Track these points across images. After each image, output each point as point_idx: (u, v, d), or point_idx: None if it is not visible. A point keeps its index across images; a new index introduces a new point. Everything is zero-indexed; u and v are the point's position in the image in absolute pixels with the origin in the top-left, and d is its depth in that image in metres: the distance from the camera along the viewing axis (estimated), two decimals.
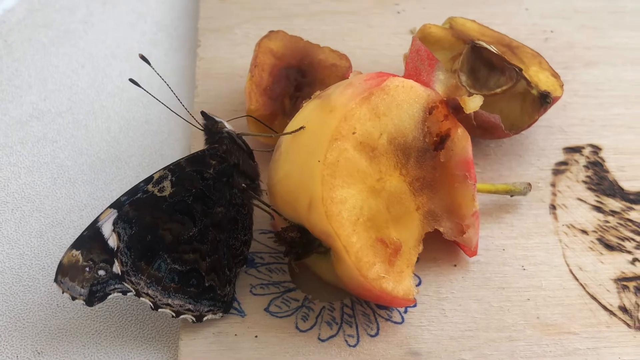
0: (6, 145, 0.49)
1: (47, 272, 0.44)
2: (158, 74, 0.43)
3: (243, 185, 0.40)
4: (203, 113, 0.39)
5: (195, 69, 0.52)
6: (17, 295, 0.43)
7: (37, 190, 0.47)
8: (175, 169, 0.38)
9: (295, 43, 0.49)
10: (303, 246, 0.39)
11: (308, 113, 0.40)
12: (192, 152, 0.44)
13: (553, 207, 0.47)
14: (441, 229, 0.42)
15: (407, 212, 0.41)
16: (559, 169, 0.48)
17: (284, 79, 0.47)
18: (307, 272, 0.42)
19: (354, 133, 0.39)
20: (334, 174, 0.38)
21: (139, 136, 0.50)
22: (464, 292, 0.42)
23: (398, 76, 0.41)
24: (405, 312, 0.42)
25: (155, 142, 0.50)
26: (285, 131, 0.40)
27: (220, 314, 0.40)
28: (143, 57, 0.40)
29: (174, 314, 0.39)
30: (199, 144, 0.45)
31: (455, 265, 0.44)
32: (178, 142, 0.50)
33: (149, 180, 0.38)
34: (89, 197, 0.47)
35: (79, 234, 0.37)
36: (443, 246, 0.44)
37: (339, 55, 0.48)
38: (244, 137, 0.40)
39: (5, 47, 0.53)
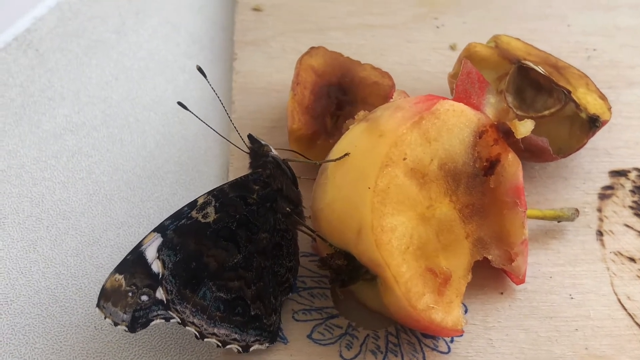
0: (40, 159, 0.47)
1: (85, 292, 0.43)
2: (214, 90, 0.41)
3: (287, 209, 0.39)
4: (250, 136, 0.39)
5: (231, 83, 0.51)
6: (54, 317, 0.42)
7: (72, 206, 0.46)
8: (218, 195, 0.37)
9: (336, 59, 0.47)
10: (349, 273, 0.38)
11: (355, 137, 0.39)
12: (230, 170, 0.44)
13: (600, 233, 0.45)
14: (490, 257, 0.41)
15: (456, 240, 0.40)
16: (605, 193, 0.46)
17: (325, 97, 0.46)
18: (350, 298, 0.41)
19: (404, 159, 0.38)
20: (384, 201, 0.37)
21: (176, 152, 0.48)
22: (511, 321, 0.41)
23: (448, 99, 0.40)
24: (452, 341, 0.41)
25: (192, 158, 0.48)
26: (330, 156, 0.39)
27: (267, 344, 0.39)
28: (200, 70, 0.39)
29: (220, 344, 0.38)
30: (237, 161, 0.45)
31: (502, 293, 0.42)
32: (216, 159, 0.48)
33: (192, 205, 0.37)
34: (125, 214, 0.45)
35: (118, 255, 0.37)
36: (489, 273, 0.43)
37: (381, 73, 0.46)
38: (289, 162, 0.39)
39: (37, 56, 0.52)
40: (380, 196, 0.36)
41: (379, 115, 0.39)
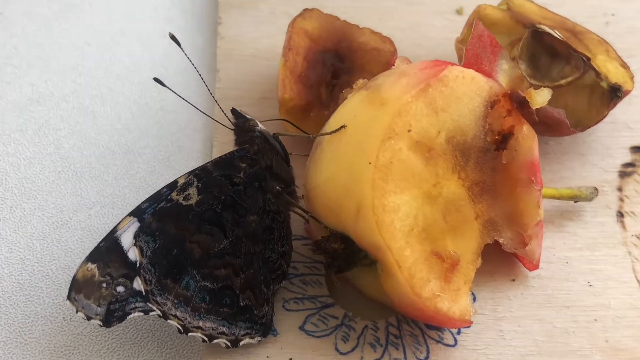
0: (3, 133, 0.45)
1: (52, 280, 0.40)
2: (190, 61, 0.39)
3: (278, 188, 0.37)
4: (234, 110, 0.38)
5: (215, 50, 0.49)
6: (18, 307, 0.40)
7: (38, 185, 0.44)
8: (201, 174, 0.36)
9: (332, 23, 0.45)
10: (346, 258, 0.37)
11: (354, 106, 0.37)
12: (214, 146, 0.42)
13: (620, 214, 0.43)
14: (501, 240, 0.39)
15: (465, 222, 0.38)
16: (626, 171, 0.45)
17: (320, 65, 0.44)
18: (347, 285, 0.40)
19: (409, 131, 0.36)
20: (386, 178, 0.35)
21: (154, 125, 0.47)
22: (524, 310, 0.40)
23: (457, 65, 0.38)
24: (459, 333, 0.39)
25: (172, 131, 0.47)
26: (326, 128, 0.38)
27: (259, 338, 0.37)
28: (174, 38, 0.37)
29: (206, 339, 0.36)
30: (223, 136, 0.43)
31: (513, 280, 0.41)
32: (198, 133, 0.47)
33: (172, 186, 0.36)
34: (97, 194, 0.44)
35: (89, 239, 0.36)
36: (500, 258, 0.41)
37: (381, 38, 0.44)
38: (280, 137, 0.38)
39: (2, 20, 0.49)
40: (382, 172, 0.35)
41: (380, 82, 0.37)
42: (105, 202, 0.43)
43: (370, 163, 0.34)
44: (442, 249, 0.36)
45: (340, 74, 0.44)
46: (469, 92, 0.37)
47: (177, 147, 0.46)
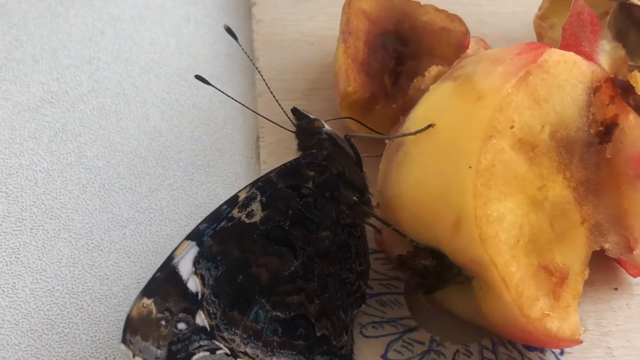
0: (14, 141, 0.42)
1: (88, 313, 0.37)
2: (246, 53, 0.36)
3: (354, 198, 0.36)
4: (295, 110, 0.36)
5: (252, 35, 0.46)
6: (51, 347, 0.36)
7: (61, 201, 0.40)
8: (264, 187, 0.35)
9: (390, 1, 0.42)
10: (437, 275, 0.35)
11: (442, 100, 0.35)
12: (261, 147, 0.41)
13: None
14: (606, 246, 0.37)
15: (572, 228, 0.36)
16: None
17: (381, 50, 0.42)
18: (432, 305, 0.38)
19: (512, 127, 0.34)
20: (489, 184, 0.33)
21: (187, 125, 0.44)
22: (632, 323, 0.38)
23: (555, 47, 0.36)
24: (562, 353, 0.37)
25: (209, 132, 0.44)
26: (408, 127, 0.35)
27: None
28: (229, 30, 0.35)
29: None
30: (270, 135, 0.41)
31: (616, 289, 0.39)
32: (239, 132, 0.44)
33: (233, 202, 0.34)
34: (130, 208, 0.41)
35: (127, 263, 0.34)
36: (598, 264, 0.39)
37: (448, 16, 0.42)
38: (352, 139, 0.37)
39: None
40: (484, 177, 0.33)
41: (470, 71, 0.35)
42: (141, 218, 0.41)
43: (470, 167, 0.32)
44: (550, 261, 0.34)
45: (405, 59, 0.42)
46: (571, 78, 0.35)
47: (217, 149, 0.43)
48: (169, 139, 0.43)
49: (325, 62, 0.45)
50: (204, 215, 0.33)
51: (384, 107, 0.40)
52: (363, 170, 0.37)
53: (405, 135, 0.35)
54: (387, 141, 0.37)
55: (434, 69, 0.38)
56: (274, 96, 0.37)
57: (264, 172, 0.40)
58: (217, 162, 0.43)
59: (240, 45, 0.36)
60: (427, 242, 0.35)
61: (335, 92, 0.41)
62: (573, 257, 0.36)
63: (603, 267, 0.39)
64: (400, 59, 0.42)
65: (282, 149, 0.40)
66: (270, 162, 0.41)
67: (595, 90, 0.36)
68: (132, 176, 0.42)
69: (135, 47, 0.46)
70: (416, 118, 0.35)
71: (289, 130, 0.37)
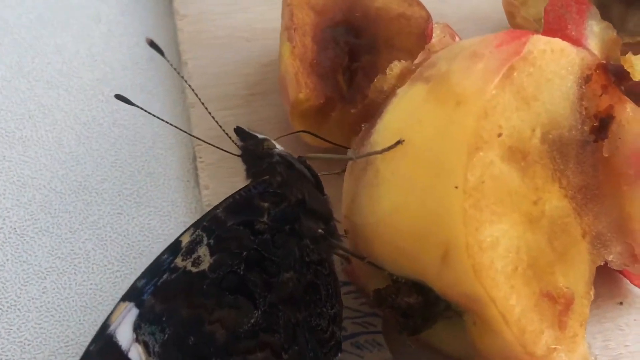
0: None
1: None
2: (173, 66, 0.34)
3: (320, 231, 0.34)
4: (239, 130, 0.35)
5: (176, 34, 0.44)
6: None
7: None
8: (211, 227, 0.33)
9: None
10: (423, 313, 0.34)
11: (414, 107, 0.33)
12: (200, 168, 0.40)
13: None
14: (610, 258, 0.36)
15: (573, 243, 0.34)
16: None
17: (332, 45, 0.40)
18: (414, 344, 0.36)
19: (499, 135, 0.32)
20: (480, 205, 0.31)
21: (109, 148, 0.41)
22: None
23: (538, 34, 0.34)
24: None
25: (136, 154, 0.42)
26: (376, 140, 0.34)
27: None
28: (153, 44, 0.33)
29: None
30: (209, 154, 0.40)
31: (621, 304, 0.38)
32: (172, 152, 0.42)
33: (174, 249, 0.32)
34: (49, 255, 0.38)
35: (50, 323, 0.33)
36: (599, 277, 0.36)
37: (406, 0, 0.40)
38: (308, 160, 0.36)
39: None
40: (474, 197, 0.31)
41: (444, 70, 0.33)
42: (63, 266, 0.38)
43: (457, 187, 0.31)
44: (552, 286, 0.33)
45: (360, 53, 0.40)
46: (559, 69, 0.34)
47: (147, 174, 0.41)
48: (89, 166, 0.41)
49: (267, 60, 0.43)
50: (139, 256, 0.33)
51: (341, 113, 0.39)
52: (325, 194, 0.36)
53: (372, 154, 0.33)
54: (355, 160, 0.35)
55: (396, 66, 0.36)
56: (209, 112, 0.35)
57: (205, 198, 0.39)
58: (149, 190, 0.41)
59: (168, 61, 0.33)
60: (409, 275, 0.33)
61: (282, 99, 0.39)
62: (577, 278, 0.34)
63: (605, 280, 0.38)
64: (354, 54, 0.40)
65: (225, 170, 0.39)
66: (213, 186, 0.40)
67: (586, 79, 0.34)
68: (48, 216, 0.39)
69: (39, 58, 0.43)
70: (385, 130, 0.34)
71: (232, 154, 0.35)
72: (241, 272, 0.33)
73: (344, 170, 0.36)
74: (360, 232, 0.34)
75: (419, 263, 0.32)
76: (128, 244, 0.38)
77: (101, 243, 0.39)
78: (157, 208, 0.40)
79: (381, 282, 0.34)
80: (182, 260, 0.32)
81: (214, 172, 0.39)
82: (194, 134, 0.40)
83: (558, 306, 0.33)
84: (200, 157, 0.40)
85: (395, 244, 0.33)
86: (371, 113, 0.35)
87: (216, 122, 0.35)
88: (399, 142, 0.32)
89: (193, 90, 0.36)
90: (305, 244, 0.34)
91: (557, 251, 0.34)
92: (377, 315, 0.37)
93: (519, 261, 0.32)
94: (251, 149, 0.35)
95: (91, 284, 0.37)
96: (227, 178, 0.39)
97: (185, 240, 0.32)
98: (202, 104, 0.35)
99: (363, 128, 0.35)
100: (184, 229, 0.33)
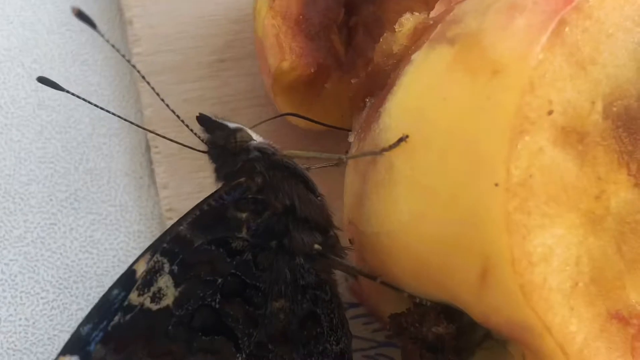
0: None
1: None
2: (116, 49, 0.35)
3: (316, 246, 0.35)
4: (203, 119, 0.36)
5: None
6: None
7: None
8: (173, 249, 0.34)
9: None
10: (455, 344, 0.35)
11: (436, 80, 0.34)
12: (156, 162, 0.41)
13: None
14: None
15: None
16: None
17: None
18: None
19: (550, 113, 0.32)
20: (527, 206, 0.31)
21: (35, 138, 0.42)
22: None
23: None
24: None
25: (71, 145, 0.42)
26: (390, 123, 0.34)
27: None
28: (81, 15, 0.33)
29: None
30: (166, 145, 0.40)
31: None
32: (117, 140, 0.42)
33: (127, 281, 0.33)
34: None
35: None
36: None
37: None
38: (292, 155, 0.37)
39: None
40: (520, 196, 0.31)
41: (474, 27, 0.33)
42: None
43: (497, 184, 0.31)
44: (623, 304, 0.33)
45: (359, 3, 0.41)
46: (623, 20, 0.34)
47: (86, 172, 0.41)
48: (9, 163, 0.41)
49: (238, 14, 0.44)
50: (81, 280, 0.35)
51: (338, 84, 0.40)
52: (319, 194, 0.36)
53: (369, 154, 0.34)
54: (352, 140, 0.36)
55: (408, 20, 0.36)
56: (162, 99, 0.35)
57: (165, 201, 0.39)
58: (90, 192, 0.41)
59: (101, 34, 0.34)
60: (436, 298, 0.34)
61: (261, 69, 0.40)
62: None
63: None
64: (352, 5, 0.41)
65: (189, 163, 0.39)
66: (174, 184, 0.41)
67: None
68: None
69: None
70: (400, 111, 0.34)
71: (197, 150, 0.35)
72: (216, 306, 0.34)
73: (345, 161, 0.36)
74: (371, 243, 0.35)
75: (449, 282, 0.33)
76: (66, 264, 0.38)
77: (30, 264, 0.39)
78: (101, 215, 0.41)
79: (399, 304, 0.35)
80: (138, 295, 0.33)
81: (174, 165, 0.40)
82: (146, 117, 0.40)
83: (631, 329, 0.33)
84: (156, 147, 0.41)
85: (418, 259, 0.33)
86: (378, 83, 0.36)
87: (168, 107, 0.35)
88: (401, 140, 0.32)
89: (135, 67, 0.36)
90: (298, 264, 0.35)
91: (628, 258, 0.33)
92: (394, 346, 0.39)
93: (580, 275, 0.32)
94: (220, 143, 0.35)
95: (20, 319, 0.38)
96: (192, 173, 0.39)
97: (141, 268, 0.33)
98: (149, 84, 0.35)
99: (368, 104, 0.36)
100: (137, 241, 0.34)
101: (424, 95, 0.33)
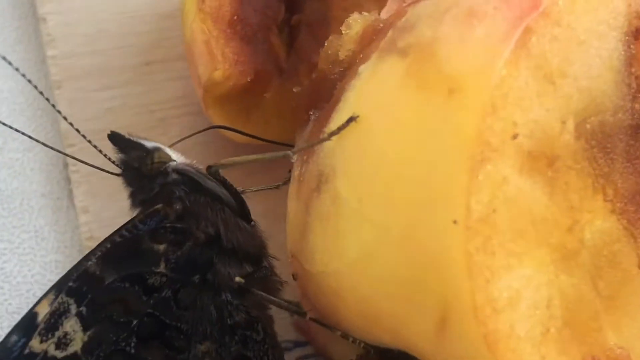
0: None
1: None
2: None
3: (237, 279, 0.35)
4: (115, 137, 0.35)
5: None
6: None
7: None
8: (80, 288, 0.33)
9: None
10: None
11: (386, 98, 0.33)
12: (75, 183, 0.40)
13: None
14: None
15: (626, 281, 0.34)
16: None
17: None
18: None
19: (515, 137, 0.31)
20: (490, 245, 0.30)
21: None
22: None
23: None
24: None
25: None
26: (335, 148, 0.33)
27: None
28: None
29: None
30: (84, 156, 0.38)
31: None
32: (31, 156, 0.41)
33: (27, 325, 0.33)
34: None
35: None
36: None
37: None
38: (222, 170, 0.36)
39: None
40: (482, 235, 0.30)
41: (428, 37, 0.32)
42: None
43: (455, 222, 0.30)
44: (599, 347, 0.32)
45: (301, 1, 0.41)
46: (596, 25, 0.33)
47: None
48: None
49: (167, 9, 0.43)
50: None
51: (278, 93, 0.39)
52: (251, 220, 0.36)
53: (317, 143, 0.33)
54: (295, 161, 0.35)
55: (356, 21, 0.35)
56: (73, 125, 0.34)
57: (85, 227, 0.39)
58: (0, 216, 0.40)
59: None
60: (389, 344, 0.34)
61: (192, 77, 0.39)
62: (633, 331, 0.34)
63: None
64: (294, 2, 0.41)
65: (111, 184, 0.36)
66: (95, 208, 0.40)
67: (635, 34, 0.33)
68: None
69: None
70: (344, 134, 0.33)
71: (111, 173, 0.35)
72: (132, 351, 0.33)
73: (286, 182, 0.36)
74: (315, 281, 0.34)
75: (403, 330, 0.32)
76: None
77: None
78: (12, 243, 0.40)
79: (349, 344, 0.35)
80: (41, 341, 0.32)
81: (95, 186, 0.39)
82: (62, 129, 0.38)
83: None
84: (75, 164, 0.39)
85: (368, 303, 0.32)
86: (323, 94, 0.35)
87: (83, 135, 0.34)
88: (352, 119, 0.32)
89: (51, 102, 0.35)
90: (224, 300, 0.34)
91: (604, 295, 0.33)
92: None
93: (551, 319, 0.31)
94: (133, 165, 0.34)
95: None
96: (115, 195, 0.37)
97: (44, 311, 0.32)
98: (47, 101, 0.34)
99: (312, 118, 0.35)
100: (55, 272, 0.34)
101: (372, 116, 0.32)
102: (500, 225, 0.30)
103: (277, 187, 0.37)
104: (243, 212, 0.36)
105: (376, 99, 0.32)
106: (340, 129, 0.32)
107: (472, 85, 0.30)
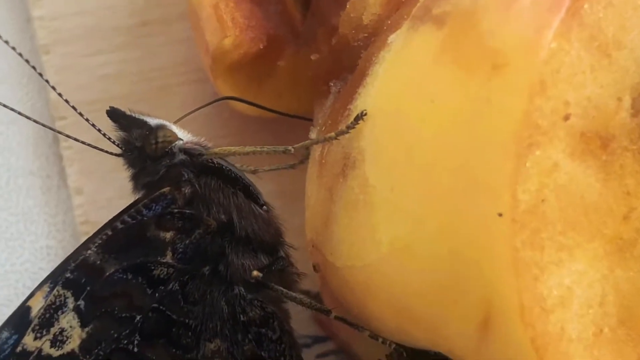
0: None
1: None
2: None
3: (254, 273, 0.35)
4: (114, 113, 0.35)
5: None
6: None
7: None
8: (79, 279, 0.33)
9: None
10: None
11: (420, 73, 0.32)
12: (67, 162, 0.41)
13: None
14: None
15: None
16: None
17: None
18: None
19: (566, 118, 0.30)
20: (539, 239, 0.30)
21: None
22: None
23: None
24: None
25: None
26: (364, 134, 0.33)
27: None
28: None
29: None
30: (77, 129, 0.38)
31: None
32: (16, 129, 0.42)
33: (19, 321, 0.33)
34: None
35: None
36: None
37: None
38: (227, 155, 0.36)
39: None
40: (529, 228, 0.30)
41: (467, 4, 0.32)
42: None
43: (500, 214, 0.29)
44: None
45: None
46: None
47: None
48: None
49: None
50: None
51: (293, 61, 0.40)
52: (263, 203, 0.36)
53: (322, 141, 0.34)
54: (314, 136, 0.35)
55: None
56: (63, 97, 0.34)
57: (79, 210, 0.39)
58: None
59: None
60: (423, 346, 0.34)
61: (198, 44, 0.39)
62: None
63: None
64: None
65: (108, 160, 0.36)
66: (90, 189, 0.41)
67: None
68: None
69: None
70: (374, 114, 0.33)
71: (109, 153, 0.35)
72: (135, 349, 0.34)
73: (303, 161, 0.36)
74: (341, 276, 0.34)
75: (440, 331, 0.32)
76: None
77: None
78: None
79: (377, 344, 0.35)
80: (35, 338, 0.32)
81: (90, 163, 0.39)
82: (51, 99, 0.39)
83: None
84: (67, 140, 0.39)
85: (401, 301, 0.32)
86: (345, 63, 0.35)
87: (71, 106, 0.34)
88: (362, 114, 0.32)
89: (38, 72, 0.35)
90: (237, 294, 0.35)
91: None
92: None
93: (605, 318, 0.31)
94: (138, 144, 0.34)
95: None
96: (112, 173, 0.37)
97: (38, 305, 0.33)
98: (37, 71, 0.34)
99: (333, 90, 0.35)
100: (46, 260, 0.35)
101: (406, 95, 0.32)
102: (549, 216, 0.30)
103: (292, 166, 0.37)
104: (254, 195, 0.36)
105: (410, 74, 0.32)
106: (351, 126, 0.32)
107: (518, 61, 0.30)
